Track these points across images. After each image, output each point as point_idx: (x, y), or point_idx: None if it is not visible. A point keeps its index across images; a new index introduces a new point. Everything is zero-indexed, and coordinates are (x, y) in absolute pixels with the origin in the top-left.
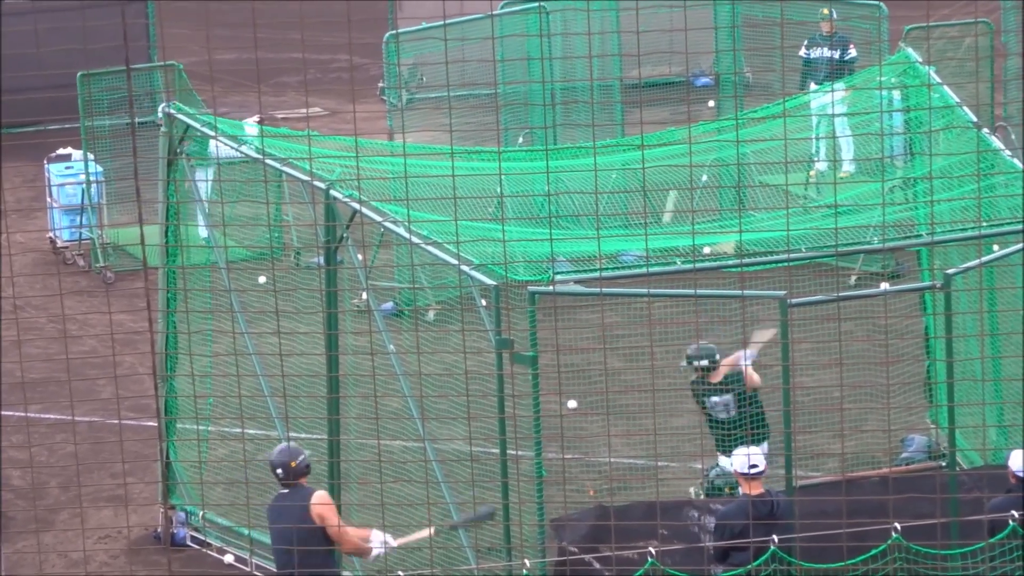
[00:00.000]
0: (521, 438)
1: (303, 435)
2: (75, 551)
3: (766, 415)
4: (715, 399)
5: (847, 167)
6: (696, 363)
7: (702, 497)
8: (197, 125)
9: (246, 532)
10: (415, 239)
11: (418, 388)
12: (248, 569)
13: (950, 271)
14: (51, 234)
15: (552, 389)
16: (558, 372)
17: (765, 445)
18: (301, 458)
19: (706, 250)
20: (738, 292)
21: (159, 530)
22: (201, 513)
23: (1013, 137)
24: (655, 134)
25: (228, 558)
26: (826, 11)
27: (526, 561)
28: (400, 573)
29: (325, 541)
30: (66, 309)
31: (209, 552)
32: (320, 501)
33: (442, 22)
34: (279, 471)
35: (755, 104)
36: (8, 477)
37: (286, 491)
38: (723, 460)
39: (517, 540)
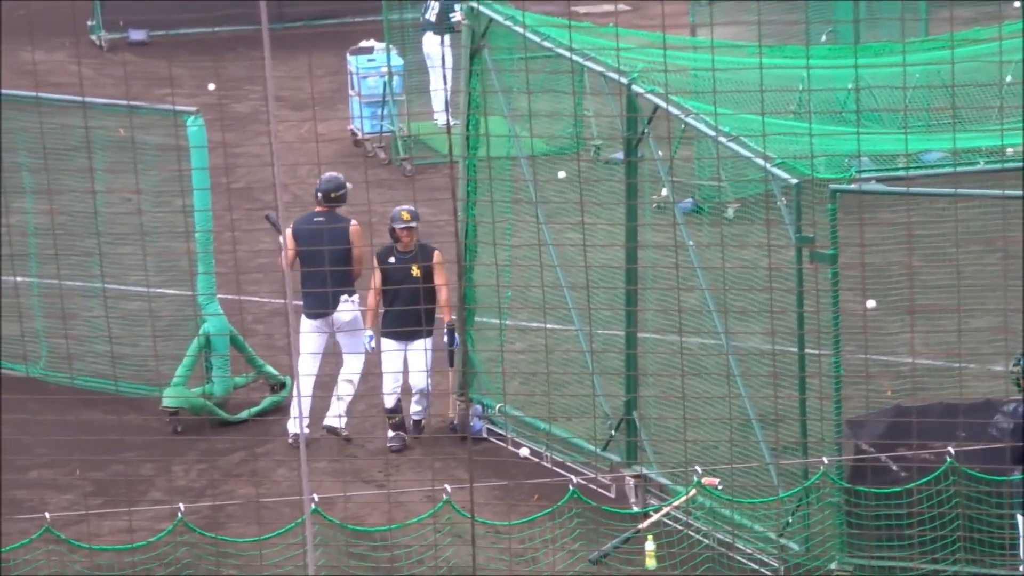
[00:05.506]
0: (820, 336)
1: (600, 330)
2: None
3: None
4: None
5: None
6: None
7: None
8: (500, 18)
9: (543, 427)
10: (717, 135)
11: (717, 284)
12: (542, 462)
13: None
14: (352, 126)
15: (851, 287)
16: (862, 272)
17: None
18: (344, 189)
19: (1009, 151)
20: None
21: (456, 421)
22: (498, 406)
23: None
24: (960, 33)
25: (523, 452)
26: None
27: (823, 459)
28: (697, 468)
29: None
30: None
31: (504, 445)
32: (356, 226)
33: None
34: (319, 194)
35: None
36: None
37: (319, 214)
38: None
39: (815, 438)
